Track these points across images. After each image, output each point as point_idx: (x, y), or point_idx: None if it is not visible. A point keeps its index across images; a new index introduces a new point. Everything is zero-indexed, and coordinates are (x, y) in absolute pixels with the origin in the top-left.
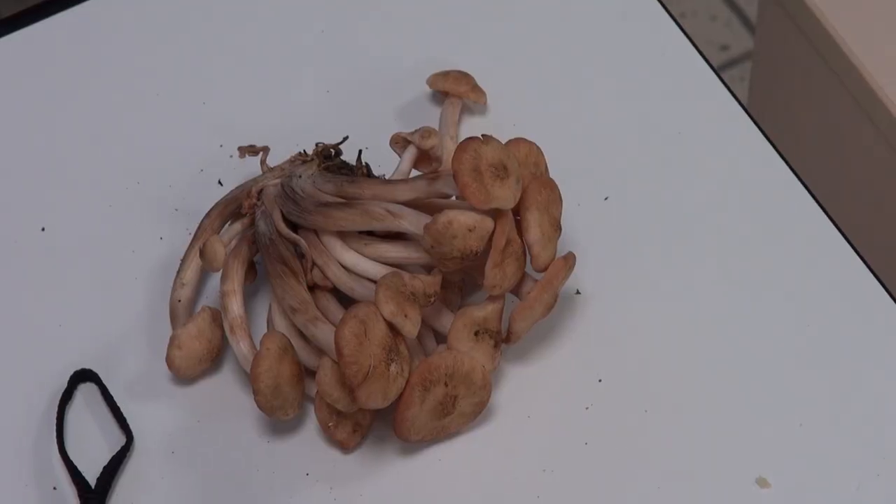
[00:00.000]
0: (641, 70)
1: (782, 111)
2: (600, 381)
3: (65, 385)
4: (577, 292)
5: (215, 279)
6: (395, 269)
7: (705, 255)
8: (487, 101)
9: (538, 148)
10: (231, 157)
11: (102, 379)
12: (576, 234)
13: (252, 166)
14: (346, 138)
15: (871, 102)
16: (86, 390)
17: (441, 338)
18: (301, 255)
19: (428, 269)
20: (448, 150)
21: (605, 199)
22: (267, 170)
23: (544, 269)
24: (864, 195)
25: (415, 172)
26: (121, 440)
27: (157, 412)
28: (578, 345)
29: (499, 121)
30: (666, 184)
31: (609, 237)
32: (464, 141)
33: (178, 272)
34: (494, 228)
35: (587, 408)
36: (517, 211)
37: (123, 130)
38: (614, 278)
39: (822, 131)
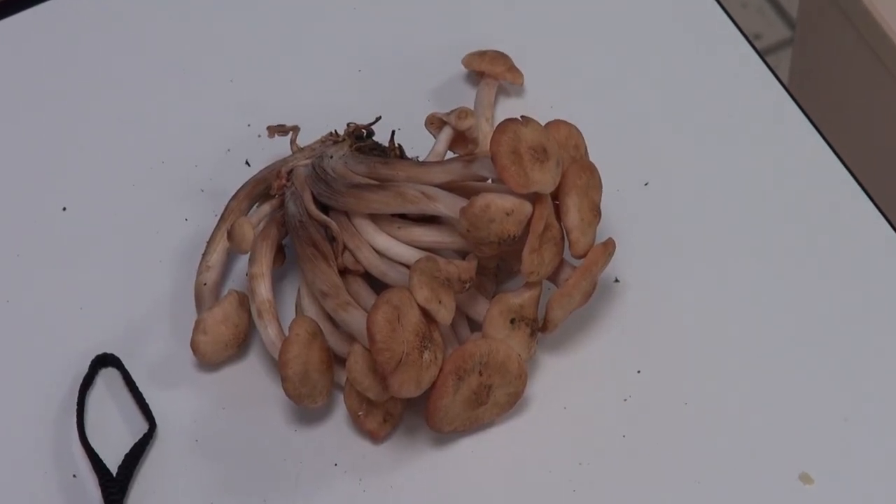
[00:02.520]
0: (684, 52)
1: (823, 99)
2: (639, 372)
3: (86, 370)
4: (616, 280)
5: (242, 262)
6: (428, 254)
7: (748, 244)
8: (524, 82)
9: (578, 130)
10: (259, 136)
11: (125, 364)
12: (615, 220)
13: (281, 147)
14: (378, 118)
15: None
16: (107, 376)
17: (476, 325)
18: (332, 238)
19: (463, 254)
20: (484, 132)
21: (646, 184)
22: (297, 150)
23: (583, 256)
24: None
25: (450, 154)
26: (143, 427)
27: (180, 399)
28: (617, 334)
29: (536, 102)
30: (708, 170)
31: (649, 224)
32: (503, 122)
33: (204, 255)
34: (533, 213)
35: (625, 400)
36: (556, 195)
37: (148, 108)
38: (654, 266)
39: (866, 120)
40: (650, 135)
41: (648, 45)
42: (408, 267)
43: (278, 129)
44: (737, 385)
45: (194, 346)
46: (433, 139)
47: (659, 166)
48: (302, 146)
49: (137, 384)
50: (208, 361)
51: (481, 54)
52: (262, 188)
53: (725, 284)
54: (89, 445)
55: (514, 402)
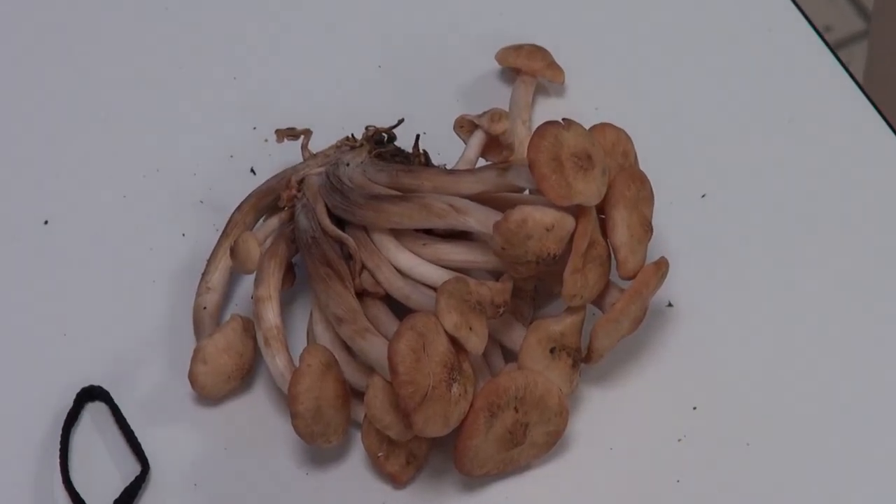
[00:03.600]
0: (746, 47)
1: None
2: (695, 408)
3: (70, 404)
4: (670, 304)
5: (247, 283)
6: (458, 275)
7: (820, 263)
8: (566, 80)
9: (626, 135)
10: (266, 141)
11: (114, 398)
12: (668, 236)
13: (291, 153)
14: (401, 121)
15: None
16: (94, 411)
17: (510, 355)
18: (348, 256)
19: (496, 274)
20: (520, 137)
21: (703, 196)
22: (309, 156)
23: (632, 277)
24: None
25: (482, 162)
26: (135, 470)
27: (177, 437)
28: (670, 366)
29: (579, 104)
30: (773, 179)
31: (707, 240)
32: (542, 126)
33: (204, 274)
34: (576, 228)
35: (680, 440)
36: (601, 208)
37: (141, 109)
38: (713, 288)
39: None
40: (708, 140)
41: (706, 38)
42: (434, 289)
43: (288, 133)
44: (807, 424)
45: (192, 378)
46: (463, 144)
47: (718, 175)
48: (314, 152)
49: (128, 421)
50: (208, 395)
51: (517, 49)
52: (270, 199)
53: (795, 309)
54: (74, 490)
55: (553, 441)
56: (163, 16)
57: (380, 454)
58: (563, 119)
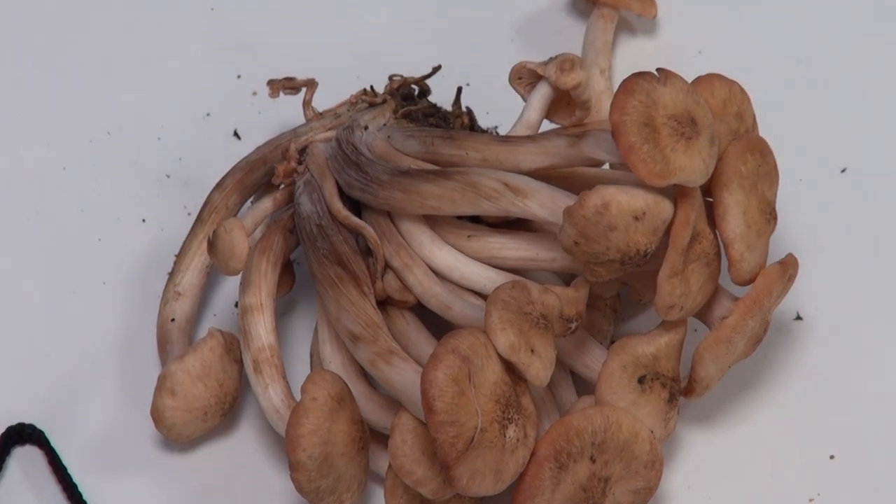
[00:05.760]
0: None
1: None
2: (832, 457)
3: None
4: (798, 318)
5: (230, 288)
6: (515, 278)
7: None
8: (658, 13)
9: (742, 90)
10: (255, 94)
11: (50, 440)
12: (797, 225)
13: (288, 111)
14: (436, 69)
15: None
16: (25, 457)
17: (585, 386)
18: (367, 252)
19: (567, 277)
20: (598, 92)
21: (843, 171)
22: (313, 116)
23: (749, 282)
24: None
25: (547, 126)
26: None
27: (134, 492)
28: (798, 400)
29: (676, 46)
30: None
31: (848, 231)
32: (629, 78)
33: (172, 274)
34: (674, 216)
35: (812, 499)
36: (709, 189)
37: (87, 52)
38: (855, 296)
39: None
40: (849, 97)
41: None
42: (483, 297)
43: (284, 85)
44: None
45: (157, 415)
46: (521, 102)
47: (862, 144)
48: (321, 111)
49: (69, 470)
50: (177, 437)
51: None
52: (261, 174)
53: None
54: None
55: (644, 501)
56: None
57: None
58: (657, 69)
